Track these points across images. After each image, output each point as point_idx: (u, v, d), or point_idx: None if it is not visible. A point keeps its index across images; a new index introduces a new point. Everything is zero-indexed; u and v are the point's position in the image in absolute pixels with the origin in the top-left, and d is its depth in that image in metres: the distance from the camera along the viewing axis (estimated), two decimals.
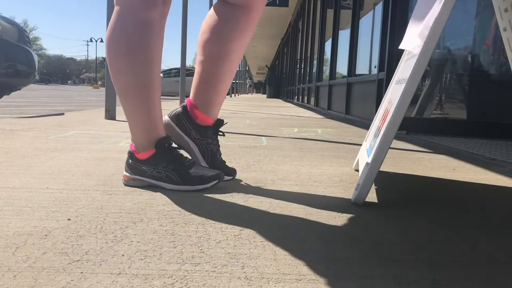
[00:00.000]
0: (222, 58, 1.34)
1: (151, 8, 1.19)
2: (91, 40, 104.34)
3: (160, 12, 1.22)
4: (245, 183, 1.38)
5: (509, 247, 0.90)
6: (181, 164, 1.26)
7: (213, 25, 1.35)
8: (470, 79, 3.82)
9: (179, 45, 7.20)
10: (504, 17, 1.21)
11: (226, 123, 1.48)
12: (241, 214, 1.05)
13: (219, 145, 1.44)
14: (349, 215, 1.07)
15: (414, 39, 1.27)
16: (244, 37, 1.35)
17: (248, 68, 36.05)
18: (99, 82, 64.99)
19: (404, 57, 1.56)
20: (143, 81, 1.22)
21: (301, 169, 1.64)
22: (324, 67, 8.83)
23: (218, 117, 1.44)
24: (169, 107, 6.60)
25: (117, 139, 2.36)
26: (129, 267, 0.73)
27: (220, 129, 1.43)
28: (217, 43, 1.34)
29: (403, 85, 1.13)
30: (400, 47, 1.42)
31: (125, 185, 1.28)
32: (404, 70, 1.36)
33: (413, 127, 3.46)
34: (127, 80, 1.21)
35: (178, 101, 7.50)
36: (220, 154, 1.44)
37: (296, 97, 12.47)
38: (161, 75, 18.81)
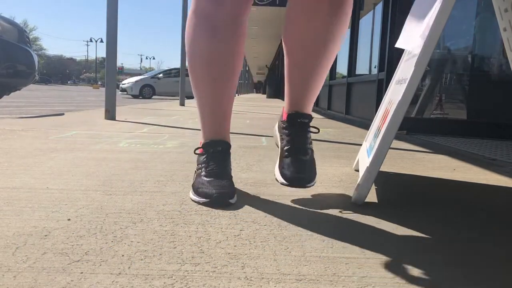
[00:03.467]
0: None
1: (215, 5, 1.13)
2: (91, 40, 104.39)
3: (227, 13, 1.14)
4: (245, 183, 1.38)
5: (509, 247, 0.90)
6: (200, 169, 1.20)
7: None
8: (470, 79, 3.82)
9: (179, 45, 7.20)
10: (504, 17, 1.21)
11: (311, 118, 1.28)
12: (241, 214, 1.05)
13: (293, 145, 1.23)
14: (349, 215, 1.07)
15: (414, 39, 1.27)
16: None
17: (248, 68, 36.04)
18: (99, 82, 64.99)
19: (404, 57, 1.56)
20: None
21: None
22: None
23: (293, 111, 1.25)
24: (169, 107, 6.61)
25: (117, 139, 2.36)
26: (129, 267, 0.73)
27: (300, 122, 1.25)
28: None
29: (403, 85, 1.13)
30: (397, 45, 1.42)
31: None
32: (404, 70, 1.36)
33: (413, 127, 3.46)
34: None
35: (178, 101, 7.50)
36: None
37: None
38: (161, 75, 18.72)
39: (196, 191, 1.15)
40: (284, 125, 1.26)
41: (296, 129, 1.23)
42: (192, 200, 1.14)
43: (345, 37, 1.24)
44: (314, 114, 5.31)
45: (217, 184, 1.14)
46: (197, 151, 1.26)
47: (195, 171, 1.24)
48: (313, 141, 1.28)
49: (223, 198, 1.11)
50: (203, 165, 1.20)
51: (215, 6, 1.13)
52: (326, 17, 1.15)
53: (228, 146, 1.24)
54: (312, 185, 1.20)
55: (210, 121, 1.24)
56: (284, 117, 1.26)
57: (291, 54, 1.23)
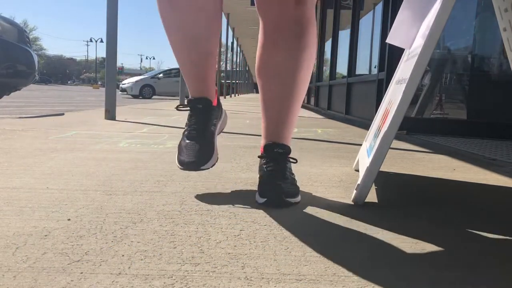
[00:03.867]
0: None
1: None
2: (91, 40, 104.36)
3: None
4: (245, 183, 1.38)
5: (509, 247, 0.90)
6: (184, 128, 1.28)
7: None
8: (470, 79, 3.82)
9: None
10: (504, 17, 1.21)
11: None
12: (241, 214, 1.05)
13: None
14: (349, 215, 1.07)
15: (413, 39, 1.27)
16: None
17: (248, 68, 36.02)
18: (99, 82, 64.99)
19: (404, 57, 1.56)
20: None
21: (301, 169, 1.64)
22: (324, 67, 8.83)
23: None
24: (169, 107, 6.61)
25: (117, 139, 2.36)
26: (129, 267, 0.73)
27: None
28: None
29: (403, 85, 1.13)
30: (387, 41, 1.42)
31: None
32: (404, 70, 1.36)
33: (413, 127, 3.46)
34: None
35: (178, 101, 7.50)
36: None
37: None
38: (161, 75, 18.73)
39: (177, 156, 1.24)
40: (261, 159, 1.23)
41: (273, 158, 1.19)
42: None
43: (313, 66, 1.26)
44: (314, 114, 5.28)
45: (191, 149, 1.22)
46: (180, 107, 1.33)
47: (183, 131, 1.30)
48: (312, 143, 1.26)
49: (193, 165, 1.20)
50: (187, 122, 1.28)
51: None
52: (291, 49, 1.18)
53: (209, 102, 1.28)
54: (293, 203, 1.15)
55: (190, 81, 1.29)
56: (261, 150, 1.24)
57: (263, 87, 1.25)
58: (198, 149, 1.22)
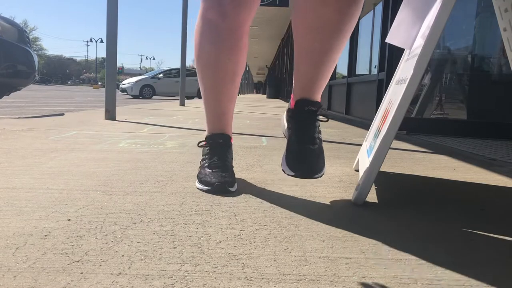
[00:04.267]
0: None
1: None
2: (91, 40, 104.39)
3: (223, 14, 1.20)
4: (245, 183, 1.38)
5: (509, 247, 0.90)
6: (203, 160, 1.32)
7: None
8: (470, 79, 3.82)
9: (179, 45, 7.20)
10: (504, 17, 1.21)
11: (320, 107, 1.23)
12: (241, 214, 1.05)
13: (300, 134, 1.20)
14: (349, 215, 1.07)
15: (413, 39, 1.27)
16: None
17: (248, 68, 36.04)
18: (99, 83, 64.99)
19: (404, 57, 1.56)
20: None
21: None
22: None
23: (302, 97, 1.21)
24: (169, 107, 6.60)
25: (117, 139, 2.36)
26: (129, 267, 0.73)
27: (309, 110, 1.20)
28: None
29: (404, 86, 1.13)
30: (387, 40, 1.42)
31: None
32: (404, 70, 1.36)
33: (413, 127, 3.46)
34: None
35: (178, 101, 7.50)
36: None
37: None
38: (161, 75, 18.71)
39: (200, 180, 1.27)
40: (291, 113, 1.23)
41: (303, 117, 1.19)
42: (197, 188, 1.26)
43: (357, 17, 1.16)
44: None
45: (218, 174, 1.25)
46: (201, 144, 1.36)
47: (200, 163, 1.35)
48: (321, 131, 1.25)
49: (223, 185, 1.22)
50: (206, 156, 1.33)
51: (221, 18, 1.20)
52: (339, 1, 1.11)
53: (228, 138, 1.35)
54: (320, 176, 1.18)
55: (212, 117, 1.35)
56: (292, 105, 1.23)
57: (300, 37, 1.19)
58: (225, 176, 1.25)
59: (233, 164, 1.42)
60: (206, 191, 1.23)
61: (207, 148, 1.34)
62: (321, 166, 1.18)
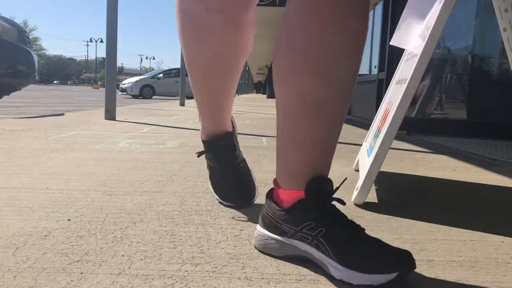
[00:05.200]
0: None
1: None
2: (91, 40, 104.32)
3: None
4: None
5: (509, 247, 0.90)
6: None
7: None
8: (470, 79, 3.82)
9: (179, 45, 7.19)
10: (504, 17, 1.21)
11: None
12: (241, 214, 1.05)
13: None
14: (349, 215, 1.07)
15: (411, 38, 1.27)
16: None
17: (248, 68, 36.03)
18: (99, 83, 64.99)
19: (404, 57, 1.56)
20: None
21: None
22: None
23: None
24: (169, 107, 6.61)
25: (117, 139, 2.36)
26: (129, 267, 0.73)
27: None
28: None
29: (404, 86, 1.13)
30: (391, 43, 1.42)
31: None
32: (404, 70, 1.36)
33: (413, 127, 3.46)
34: None
35: (178, 101, 7.50)
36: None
37: None
38: (161, 75, 18.62)
39: (216, 191, 1.12)
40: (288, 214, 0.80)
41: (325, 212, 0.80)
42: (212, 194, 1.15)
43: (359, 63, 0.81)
44: None
45: (235, 193, 1.10)
46: (200, 153, 1.12)
47: (207, 164, 1.15)
48: None
49: (245, 204, 1.10)
50: (211, 166, 1.13)
51: (203, 10, 0.94)
52: (353, 27, 0.75)
53: (230, 135, 1.10)
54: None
55: (209, 115, 1.09)
56: (288, 203, 0.80)
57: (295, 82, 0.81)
58: (243, 193, 1.11)
59: None
60: (227, 206, 1.11)
61: (210, 154, 1.10)
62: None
